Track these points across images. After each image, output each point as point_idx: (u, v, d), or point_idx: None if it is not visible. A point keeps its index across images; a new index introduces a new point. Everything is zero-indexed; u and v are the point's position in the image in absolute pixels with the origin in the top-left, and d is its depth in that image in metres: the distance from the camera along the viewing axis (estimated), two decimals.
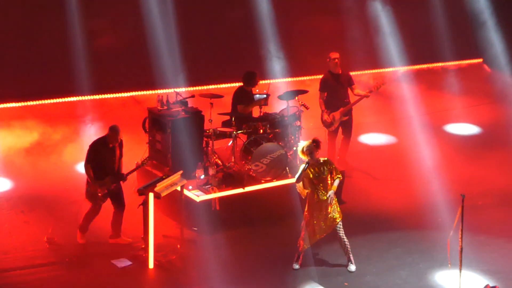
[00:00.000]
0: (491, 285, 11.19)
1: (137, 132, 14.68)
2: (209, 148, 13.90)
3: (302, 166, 11.73)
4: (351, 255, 12.07)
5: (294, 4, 20.17)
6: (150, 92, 18.66)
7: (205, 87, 19.24)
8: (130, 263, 12.23)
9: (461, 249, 10.93)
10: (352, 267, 12.08)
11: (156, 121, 14.00)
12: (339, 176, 11.88)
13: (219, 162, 13.91)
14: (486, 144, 16.89)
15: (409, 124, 17.50)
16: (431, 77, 20.94)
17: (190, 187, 13.35)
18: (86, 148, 12.66)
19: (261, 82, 14.98)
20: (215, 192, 13.28)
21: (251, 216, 13.48)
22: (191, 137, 13.68)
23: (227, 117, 14.26)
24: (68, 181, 14.78)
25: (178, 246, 12.66)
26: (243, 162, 13.77)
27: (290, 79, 19.11)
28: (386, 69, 20.49)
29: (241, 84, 14.60)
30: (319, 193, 11.81)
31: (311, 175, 11.79)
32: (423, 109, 18.32)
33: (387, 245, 12.85)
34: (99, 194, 12.44)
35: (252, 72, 14.48)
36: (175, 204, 13.05)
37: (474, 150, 16.51)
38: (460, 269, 11.01)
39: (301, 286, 11.78)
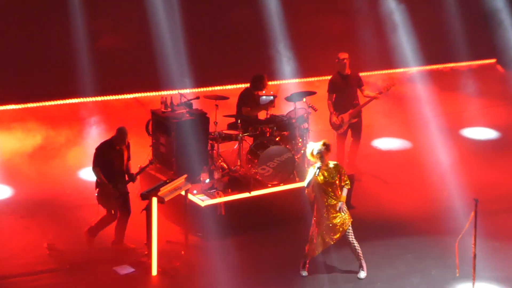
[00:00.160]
0: None
1: (140, 135, 14.59)
2: (214, 151, 13.81)
3: (312, 171, 11.53)
4: (363, 261, 11.94)
5: (303, 3, 20.16)
6: (154, 93, 18.74)
7: (210, 89, 19.27)
8: (132, 270, 12.13)
9: (474, 255, 10.86)
10: (362, 274, 11.96)
11: (160, 124, 13.93)
12: (347, 183, 11.72)
13: (225, 165, 13.81)
14: (502, 147, 16.78)
15: (422, 127, 17.41)
16: (444, 77, 20.90)
17: (195, 192, 13.27)
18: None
19: (269, 83, 14.89)
20: (220, 196, 13.19)
21: (257, 221, 13.37)
22: (196, 140, 13.58)
23: (233, 119, 14.15)
24: (69, 185, 14.72)
25: (182, 252, 12.60)
26: (249, 165, 13.69)
27: (298, 80, 19.11)
28: (397, 70, 20.46)
29: (247, 85, 14.52)
30: (328, 197, 11.63)
31: (320, 180, 11.60)
32: (437, 110, 18.21)
33: (398, 251, 12.75)
34: (115, 195, 12.32)
35: (260, 75, 14.41)
36: (179, 209, 12.98)
37: (489, 154, 16.39)
38: (474, 276, 10.94)
39: None
